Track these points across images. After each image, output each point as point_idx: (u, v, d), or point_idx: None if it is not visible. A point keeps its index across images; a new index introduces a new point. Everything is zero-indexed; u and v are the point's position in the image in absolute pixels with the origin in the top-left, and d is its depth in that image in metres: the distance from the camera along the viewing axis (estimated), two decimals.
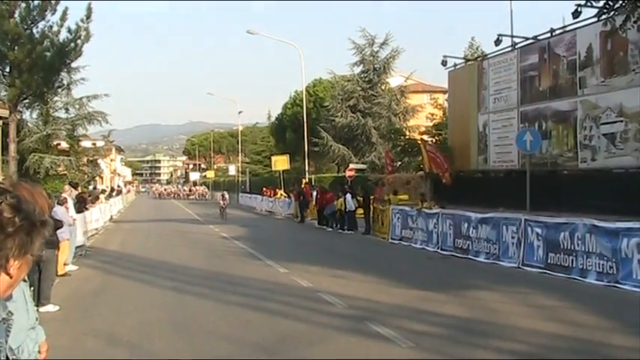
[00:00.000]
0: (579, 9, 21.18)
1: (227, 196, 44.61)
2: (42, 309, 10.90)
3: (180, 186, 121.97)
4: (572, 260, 14.36)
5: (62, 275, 15.44)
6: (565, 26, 24.30)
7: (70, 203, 18.30)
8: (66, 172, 38.38)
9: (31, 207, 2.08)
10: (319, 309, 11.31)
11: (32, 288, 2.59)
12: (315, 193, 35.16)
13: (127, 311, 11.55)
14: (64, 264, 16.25)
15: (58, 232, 13.59)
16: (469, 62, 33.26)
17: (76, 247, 19.54)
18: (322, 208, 32.00)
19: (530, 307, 11.33)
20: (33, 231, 2.04)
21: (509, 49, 27.45)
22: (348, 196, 28.81)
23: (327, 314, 10.90)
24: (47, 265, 11.50)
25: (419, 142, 34.51)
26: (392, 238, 23.91)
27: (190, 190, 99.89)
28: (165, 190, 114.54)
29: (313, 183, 44.45)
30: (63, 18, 28.53)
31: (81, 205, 22.39)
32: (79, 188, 26.69)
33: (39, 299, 11.05)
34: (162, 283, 14.69)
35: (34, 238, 2.04)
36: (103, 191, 47.29)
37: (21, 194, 2.15)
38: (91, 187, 43.82)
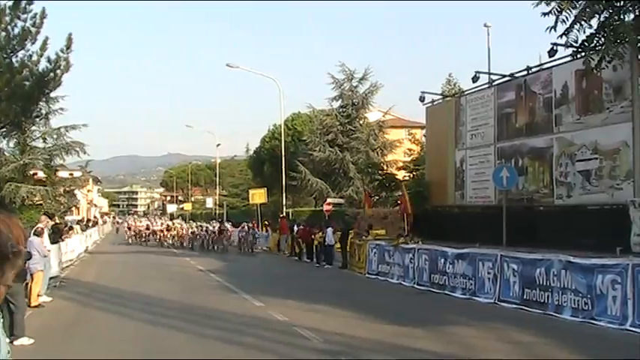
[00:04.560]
0: (555, 48, 21.52)
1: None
2: (16, 342, 10.77)
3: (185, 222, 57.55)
4: (548, 296, 14.43)
5: (35, 306, 15.25)
6: (541, 64, 24.66)
7: (46, 234, 18.11)
8: (42, 202, 37.98)
9: (3, 238, 2.07)
10: (295, 343, 11.24)
11: (3, 320, 2.55)
12: (296, 227, 34.94)
13: (101, 344, 11.42)
14: (38, 295, 16.04)
15: (30, 263, 13.45)
16: (447, 98, 33.59)
17: (51, 278, 19.34)
18: (305, 242, 32.16)
19: (506, 343, 11.34)
20: (4, 262, 2.03)
21: (487, 86, 27.77)
22: (329, 229, 28.81)
23: (302, 349, 10.83)
24: (17, 298, 11.35)
25: (400, 181, 34.14)
26: (368, 273, 23.86)
27: (221, 231, 42.15)
28: (164, 227, 50.54)
29: (291, 217, 44.40)
30: (43, 48, 28.54)
31: (56, 235, 22.19)
32: (56, 219, 26.45)
33: (12, 332, 10.90)
34: (137, 315, 14.55)
35: (5, 269, 2.03)
36: (79, 222, 46.93)
37: None
38: (67, 218, 43.45)
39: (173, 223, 52.75)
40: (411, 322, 13.50)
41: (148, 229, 52.68)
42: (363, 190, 37.13)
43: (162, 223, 54.33)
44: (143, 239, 50.85)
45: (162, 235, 48.73)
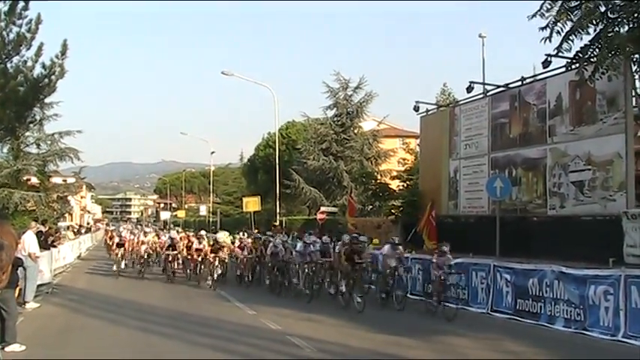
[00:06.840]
0: (549, 59, 21.56)
1: None
2: (7, 348, 10.74)
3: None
4: (541, 307, 14.46)
5: None
6: (535, 75, 24.67)
7: (33, 239, 17.82)
8: (35, 208, 37.84)
9: None
10: (287, 352, 11.22)
11: None
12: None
13: (93, 351, 11.35)
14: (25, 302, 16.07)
15: None
16: (441, 108, 33.58)
17: (43, 285, 19.25)
18: None
19: (499, 353, 11.35)
20: None
21: (481, 96, 27.74)
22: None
23: (295, 358, 10.81)
24: (8, 304, 11.31)
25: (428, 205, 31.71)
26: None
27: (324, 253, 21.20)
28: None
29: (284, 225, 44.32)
30: (38, 53, 28.43)
31: (46, 242, 22.06)
32: (47, 225, 26.38)
33: (3, 338, 10.86)
34: (129, 322, 14.50)
35: None
36: (69, 227, 46.86)
37: None
38: (60, 224, 43.32)
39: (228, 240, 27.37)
40: (404, 331, 13.50)
41: (173, 246, 25.83)
42: (349, 196, 36.87)
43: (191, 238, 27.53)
44: (169, 271, 25.45)
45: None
